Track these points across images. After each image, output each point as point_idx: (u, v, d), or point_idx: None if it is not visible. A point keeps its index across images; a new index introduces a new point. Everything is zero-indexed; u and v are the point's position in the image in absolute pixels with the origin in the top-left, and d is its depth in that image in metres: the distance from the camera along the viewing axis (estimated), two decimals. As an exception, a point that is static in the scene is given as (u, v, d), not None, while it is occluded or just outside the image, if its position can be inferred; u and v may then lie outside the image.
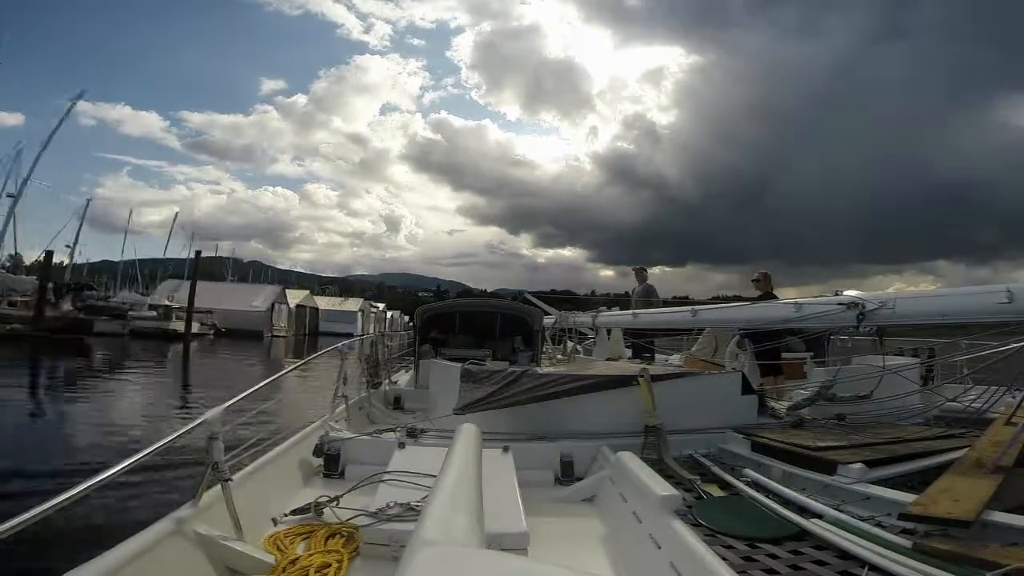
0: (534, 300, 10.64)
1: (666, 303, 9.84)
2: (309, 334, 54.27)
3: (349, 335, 44.33)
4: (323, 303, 65.49)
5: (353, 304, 65.79)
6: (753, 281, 7.37)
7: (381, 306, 77.01)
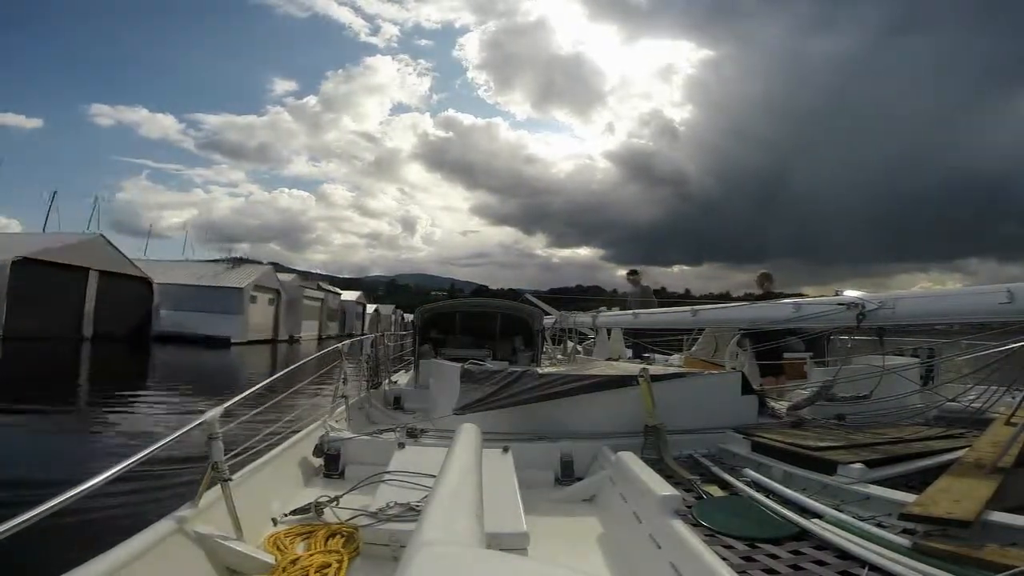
0: (534, 300, 10.66)
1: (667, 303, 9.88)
2: (96, 337, 23.25)
3: (222, 341, 25.98)
4: (165, 273, 29.75)
5: (240, 277, 31.36)
6: (759, 280, 7.43)
7: (350, 295, 52.50)
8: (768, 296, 6.91)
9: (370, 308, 55.51)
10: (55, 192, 28.07)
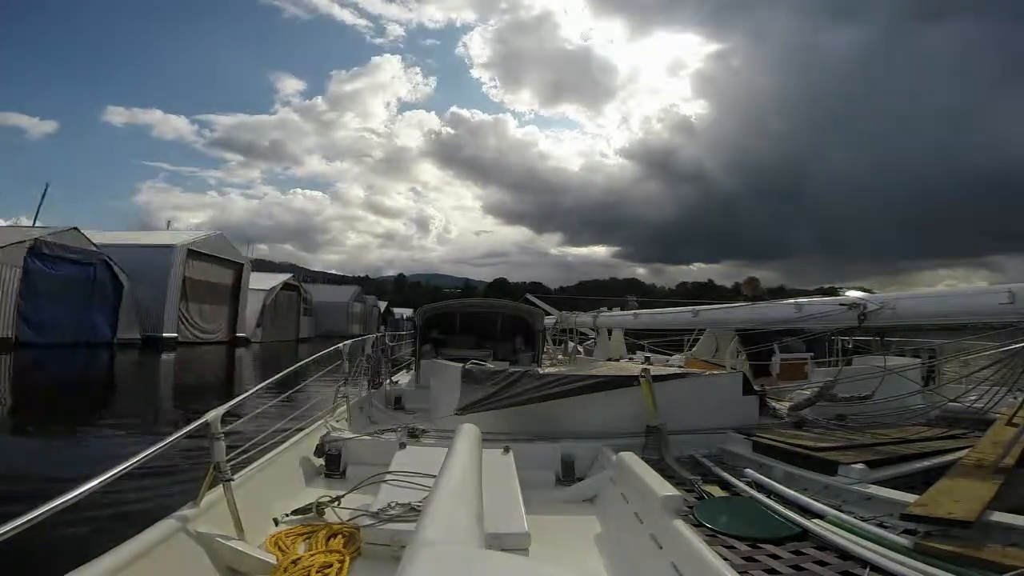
0: (535, 300, 10.65)
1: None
2: None
3: None
4: None
5: None
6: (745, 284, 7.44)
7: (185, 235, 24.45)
8: (758, 300, 6.88)
9: (270, 280, 29.90)
10: (47, 184, 23.87)
